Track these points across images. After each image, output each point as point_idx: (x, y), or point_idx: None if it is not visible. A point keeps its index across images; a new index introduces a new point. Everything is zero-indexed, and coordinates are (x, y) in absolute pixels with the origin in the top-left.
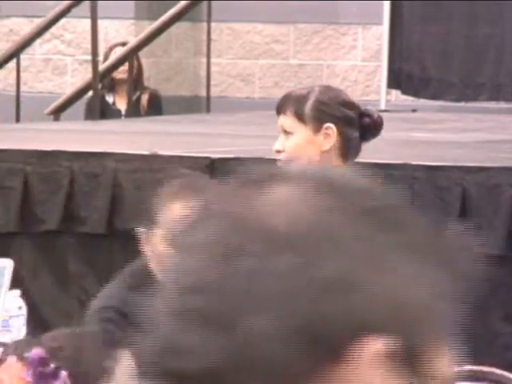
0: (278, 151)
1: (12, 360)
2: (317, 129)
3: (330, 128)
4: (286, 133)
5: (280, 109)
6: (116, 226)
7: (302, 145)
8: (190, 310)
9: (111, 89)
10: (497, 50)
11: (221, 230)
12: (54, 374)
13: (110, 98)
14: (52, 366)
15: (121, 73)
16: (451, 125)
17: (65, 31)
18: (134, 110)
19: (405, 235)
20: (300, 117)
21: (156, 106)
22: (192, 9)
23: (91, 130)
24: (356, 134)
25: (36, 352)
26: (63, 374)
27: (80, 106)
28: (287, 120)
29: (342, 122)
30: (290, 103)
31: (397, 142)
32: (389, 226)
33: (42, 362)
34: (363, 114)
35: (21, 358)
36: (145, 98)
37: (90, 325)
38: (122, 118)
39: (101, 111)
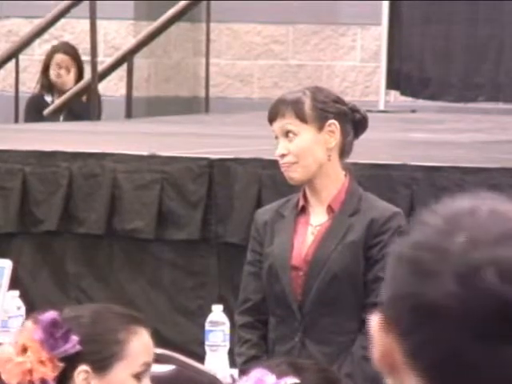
0: (283, 155)
1: (28, 323)
2: (320, 127)
3: (334, 124)
4: (288, 136)
5: (277, 113)
6: (115, 227)
7: (309, 145)
8: None
9: (50, 89)
10: (496, 50)
11: None
12: (65, 337)
13: (48, 98)
14: (64, 328)
15: (58, 77)
16: (450, 125)
17: (64, 32)
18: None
19: None
20: (302, 118)
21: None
22: (191, 9)
23: (90, 131)
24: (351, 131)
25: (49, 314)
26: (74, 338)
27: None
28: (288, 122)
29: (340, 118)
30: (287, 107)
31: (396, 143)
32: None
33: (54, 323)
34: (354, 110)
35: (35, 321)
36: (84, 98)
37: None
38: (61, 117)
39: (39, 110)
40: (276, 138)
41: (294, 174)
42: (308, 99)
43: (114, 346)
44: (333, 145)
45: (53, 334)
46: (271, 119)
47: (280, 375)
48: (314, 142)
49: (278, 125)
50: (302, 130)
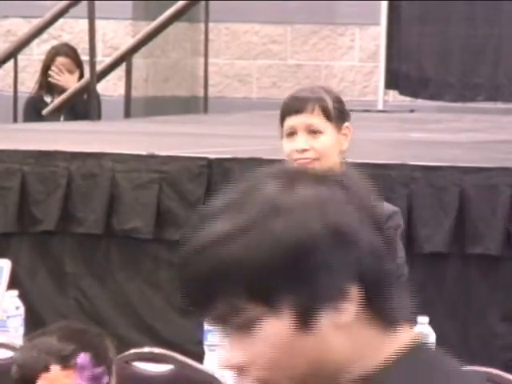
0: (305, 150)
1: (56, 369)
2: (338, 128)
3: (348, 127)
4: (312, 132)
5: (303, 109)
6: (113, 227)
7: (331, 144)
8: None
9: (49, 90)
10: (495, 50)
11: None
12: (102, 375)
13: (48, 98)
14: (100, 368)
15: (59, 76)
16: (449, 125)
17: (62, 31)
18: (72, 111)
19: None
20: (328, 116)
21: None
22: (190, 9)
23: (88, 131)
24: None
25: (84, 357)
26: (106, 373)
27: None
28: (315, 119)
29: (349, 121)
30: (314, 102)
31: (394, 143)
32: None
33: (92, 364)
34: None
35: (66, 366)
36: (85, 95)
37: None
38: (62, 117)
39: (39, 111)
40: (289, 134)
41: None
42: (329, 97)
43: (111, 365)
44: (345, 147)
45: (93, 376)
46: (294, 113)
47: None
48: (335, 142)
49: (302, 119)
50: (326, 129)
